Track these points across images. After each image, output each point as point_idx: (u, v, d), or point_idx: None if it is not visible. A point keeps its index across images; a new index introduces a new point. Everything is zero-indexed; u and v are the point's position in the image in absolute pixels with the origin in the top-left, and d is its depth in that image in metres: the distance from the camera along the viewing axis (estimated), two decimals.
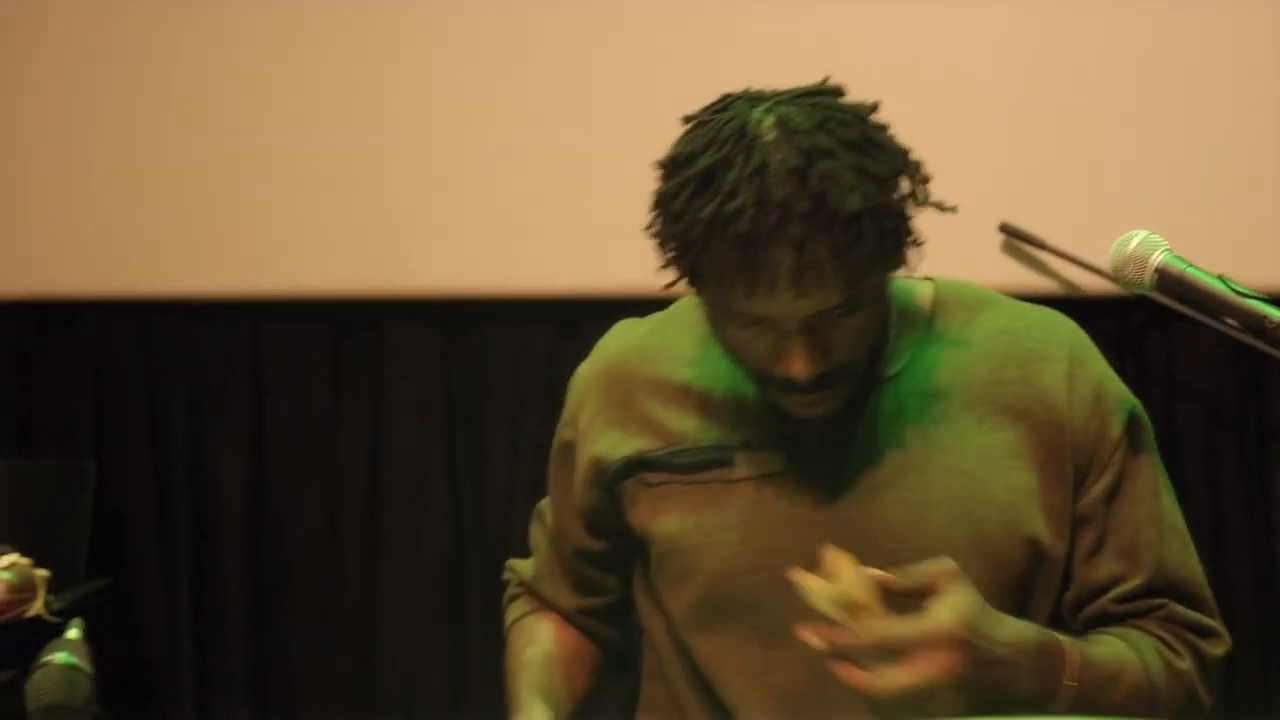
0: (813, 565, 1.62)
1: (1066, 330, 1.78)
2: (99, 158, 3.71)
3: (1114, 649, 1.67)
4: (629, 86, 3.55)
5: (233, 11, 3.66)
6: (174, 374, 3.76)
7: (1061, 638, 1.62)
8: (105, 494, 3.70)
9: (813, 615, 1.64)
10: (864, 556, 1.60)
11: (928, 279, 1.81)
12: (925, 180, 1.64)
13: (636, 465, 1.77)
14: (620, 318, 3.57)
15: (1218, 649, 1.74)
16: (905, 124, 1.62)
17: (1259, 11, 3.33)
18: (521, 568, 2.02)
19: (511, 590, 2.03)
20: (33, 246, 3.72)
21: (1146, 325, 3.44)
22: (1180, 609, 1.73)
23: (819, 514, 1.69)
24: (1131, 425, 1.74)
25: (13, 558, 2.37)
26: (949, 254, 3.37)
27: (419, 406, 3.72)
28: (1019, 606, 1.68)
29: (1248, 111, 3.33)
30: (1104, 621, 1.73)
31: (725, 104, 1.65)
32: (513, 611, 2.01)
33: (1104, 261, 3.33)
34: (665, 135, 3.61)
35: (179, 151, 3.69)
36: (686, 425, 1.76)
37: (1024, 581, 1.70)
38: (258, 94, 3.67)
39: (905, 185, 1.62)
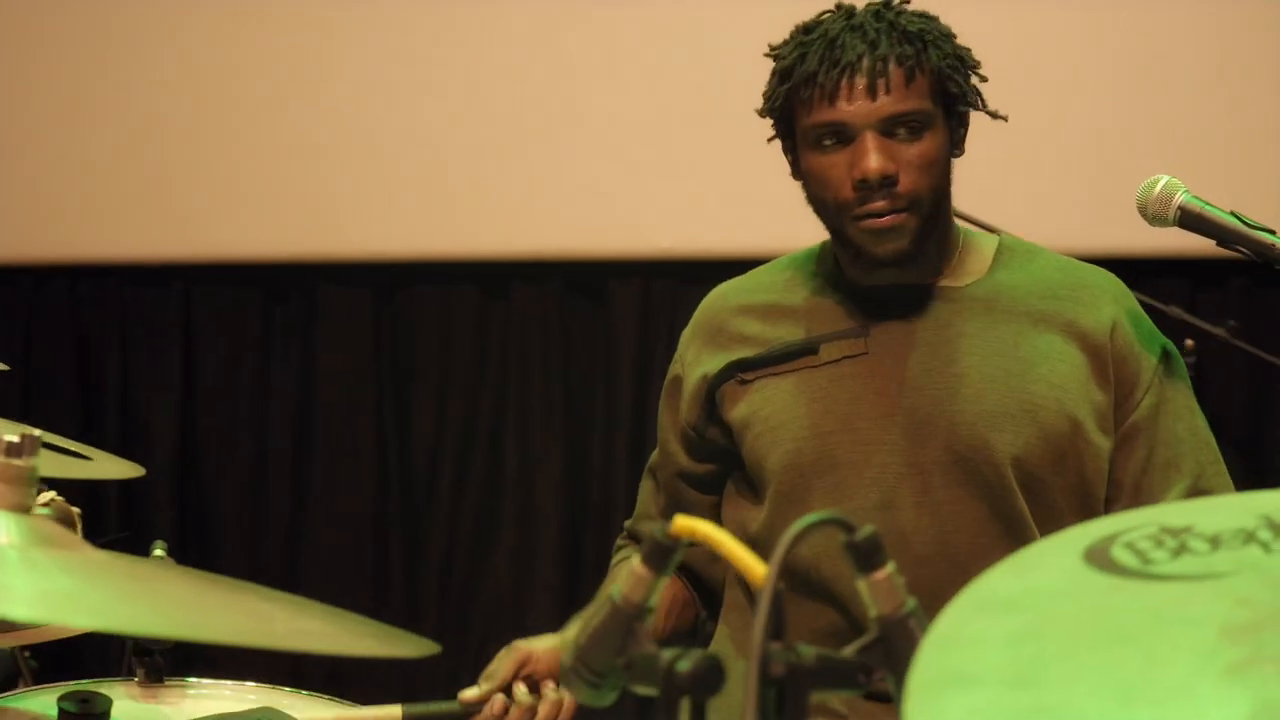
0: (888, 426, 1.96)
1: (1113, 276, 2.09)
2: (31, 124, 3.76)
3: None
4: (554, 49, 3.72)
5: None
6: (106, 338, 3.84)
7: None
8: None
9: (882, 469, 1.92)
10: (933, 419, 1.95)
11: (996, 233, 2.13)
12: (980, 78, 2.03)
13: (734, 368, 2.05)
14: (547, 280, 3.80)
15: None
16: None
17: None
18: (628, 522, 2.27)
19: (618, 543, 2.28)
20: None
21: None
22: None
23: (893, 385, 1.98)
24: (1166, 353, 2.03)
25: (50, 495, 2.48)
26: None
27: (349, 367, 3.85)
28: (1062, 475, 1.96)
29: (1169, 88, 3.61)
30: None
31: None
32: (612, 561, 2.27)
33: (1035, 236, 3.57)
34: (593, 96, 3.79)
35: (110, 117, 3.76)
36: (777, 332, 2.05)
37: (1069, 455, 1.97)
38: (189, 60, 3.76)
39: (962, 61, 2.00)
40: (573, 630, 2.06)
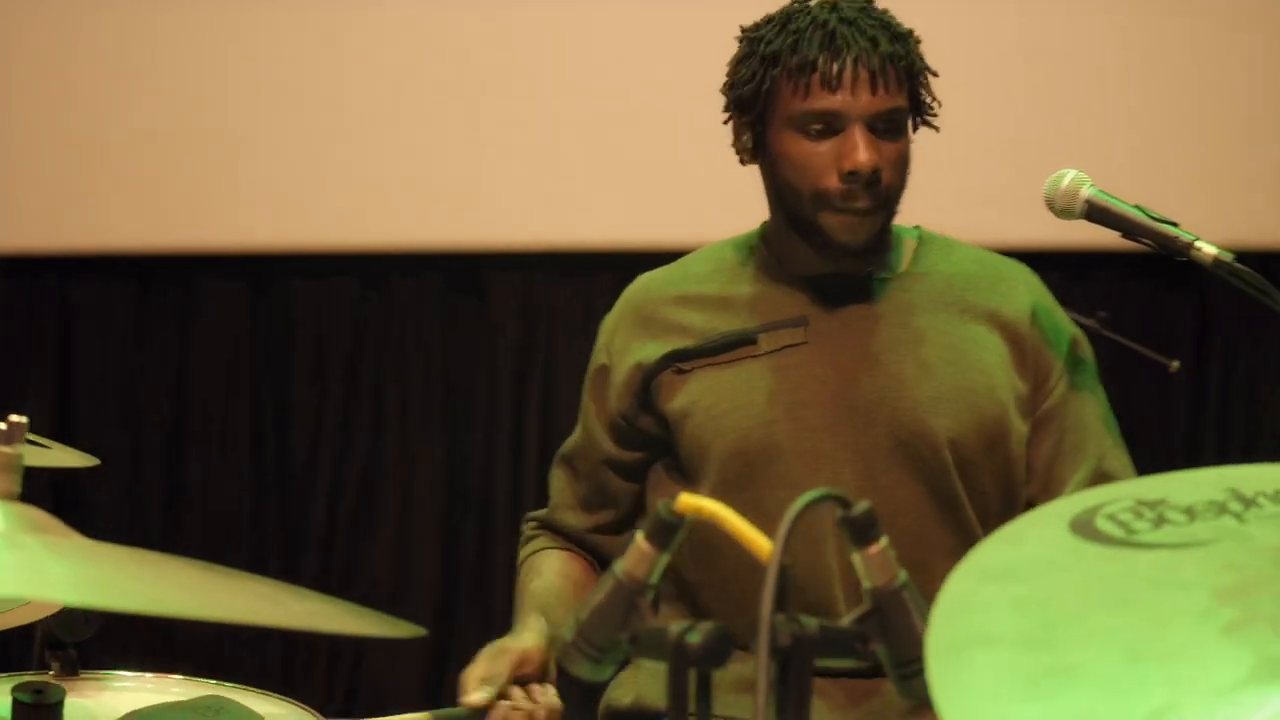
0: (831, 414, 2.01)
1: (1026, 268, 2.17)
2: None
3: None
4: (429, 41, 3.72)
5: None
6: None
7: None
8: None
9: (827, 456, 1.97)
10: (875, 406, 2.02)
11: (915, 227, 2.18)
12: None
13: (671, 358, 2.08)
14: (422, 272, 3.80)
15: None
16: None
17: None
18: (538, 514, 2.26)
19: (526, 534, 2.27)
20: None
21: None
22: None
23: (834, 373, 2.03)
24: (1074, 341, 2.12)
25: None
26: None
27: (226, 360, 3.82)
28: (991, 459, 2.04)
29: (1056, 84, 3.69)
30: None
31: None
32: (524, 552, 2.25)
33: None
34: (471, 90, 3.77)
35: None
36: (714, 323, 2.08)
37: (1000, 437, 2.05)
38: (55, 50, 3.71)
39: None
40: (529, 623, 2.05)
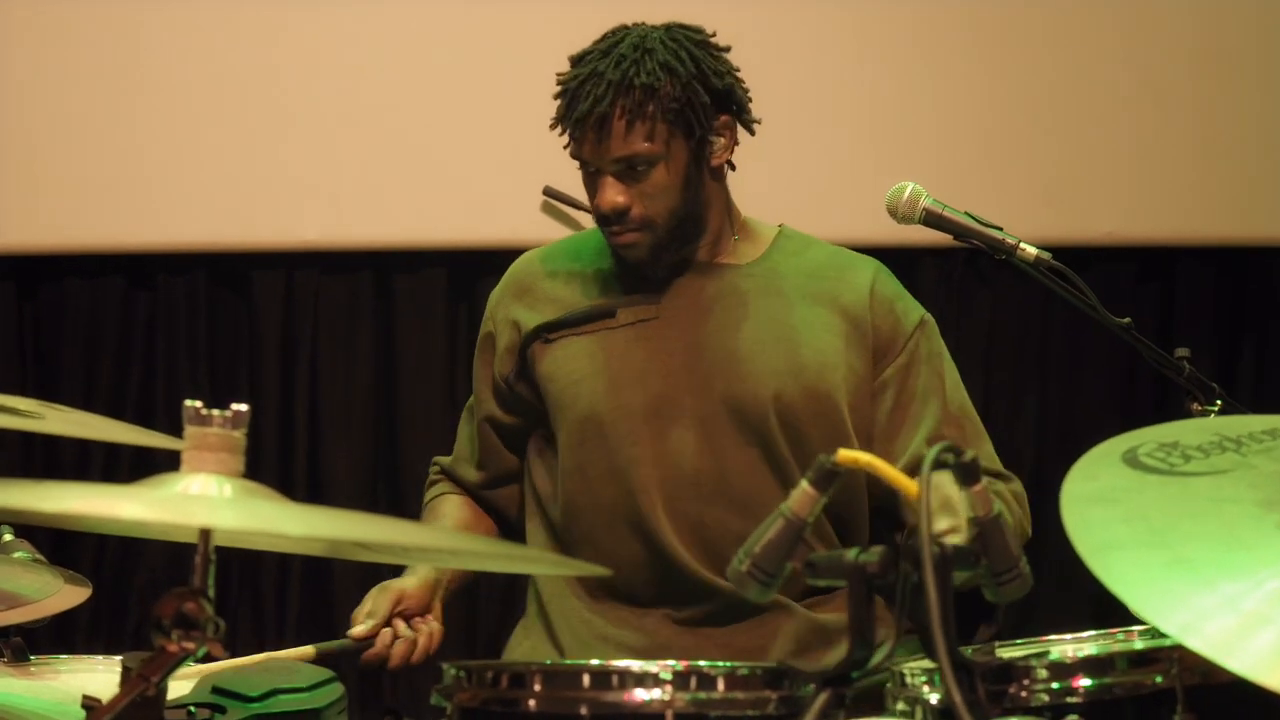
0: (676, 383, 2.33)
1: (877, 262, 2.49)
2: None
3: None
4: (199, 42, 3.81)
5: None
6: None
7: None
8: None
9: (671, 420, 2.30)
10: (714, 376, 2.34)
11: (779, 225, 2.51)
12: (746, 100, 2.39)
13: (542, 330, 2.40)
14: (189, 270, 3.92)
15: (1016, 485, 2.42)
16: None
17: None
18: (444, 460, 2.56)
19: (431, 476, 2.57)
20: None
21: None
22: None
23: (681, 345, 2.37)
24: (922, 321, 2.44)
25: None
26: (496, 213, 3.92)
27: None
28: (819, 427, 2.34)
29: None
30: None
31: None
32: (429, 493, 2.55)
33: None
34: (237, 90, 3.88)
35: None
36: (580, 295, 2.40)
37: (828, 409, 2.35)
38: None
39: (711, 94, 2.32)
40: (416, 570, 2.34)
